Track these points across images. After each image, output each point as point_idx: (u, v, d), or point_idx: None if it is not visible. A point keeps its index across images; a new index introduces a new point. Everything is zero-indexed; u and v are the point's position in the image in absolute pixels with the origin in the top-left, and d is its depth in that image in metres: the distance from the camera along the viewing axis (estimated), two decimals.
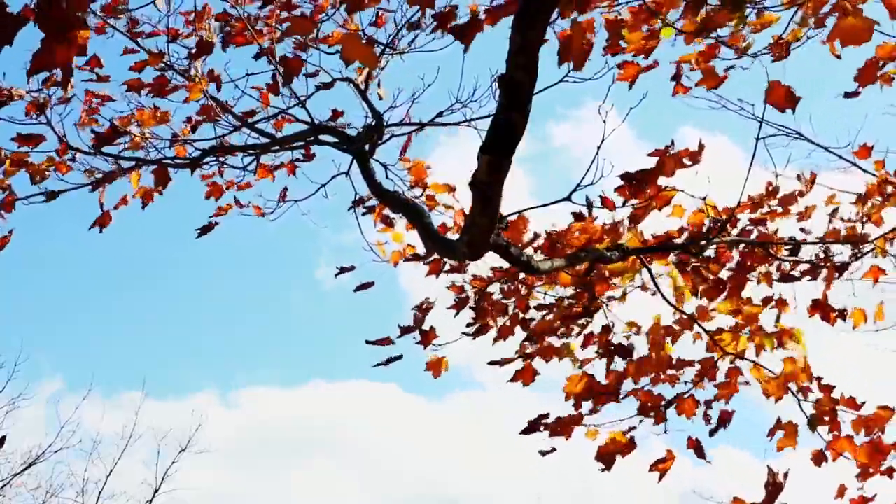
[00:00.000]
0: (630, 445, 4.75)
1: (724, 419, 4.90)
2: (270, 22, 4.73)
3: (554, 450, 4.84)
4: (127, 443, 16.56)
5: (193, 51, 4.65)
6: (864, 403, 4.57)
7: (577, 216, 4.71)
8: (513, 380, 5.07)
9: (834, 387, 4.64)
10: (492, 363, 5.09)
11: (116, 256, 27.65)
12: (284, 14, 4.74)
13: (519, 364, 5.09)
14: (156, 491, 16.22)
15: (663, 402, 4.86)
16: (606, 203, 4.60)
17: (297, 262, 29.91)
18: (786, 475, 3.28)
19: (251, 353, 28.03)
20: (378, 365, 4.96)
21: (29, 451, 15.80)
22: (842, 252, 5.16)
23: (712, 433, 4.86)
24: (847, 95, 4.47)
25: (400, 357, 4.98)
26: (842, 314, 5.05)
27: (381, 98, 5.15)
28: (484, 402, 26.48)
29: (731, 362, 4.93)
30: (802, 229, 5.18)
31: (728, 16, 3.97)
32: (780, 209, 5.24)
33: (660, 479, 4.70)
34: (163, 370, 25.34)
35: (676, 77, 4.36)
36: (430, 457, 25.49)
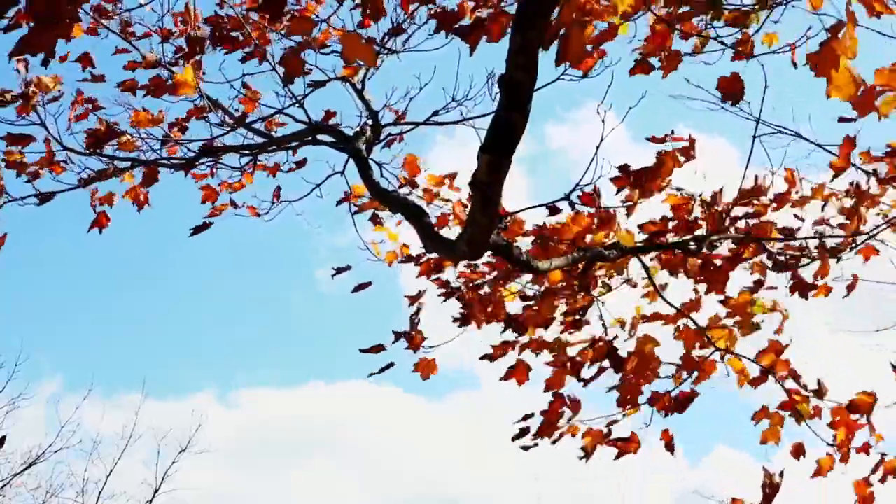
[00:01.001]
0: (607, 436, 4.80)
1: (688, 399, 4.89)
2: (262, 24, 4.71)
3: (536, 444, 4.85)
4: (127, 443, 16.58)
5: (185, 51, 4.63)
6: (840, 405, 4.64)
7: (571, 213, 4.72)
8: (505, 378, 5.02)
9: (800, 376, 4.71)
10: (483, 357, 5.08)
11: (114, 257, 27.63)
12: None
13: (511, 359, 5.08)
14: (156, 491, 16.19)
15: (641, 398, 4.88)
16: (584, 200, 4.58)
17: (295, 263, 29.94)
18: (781, 474, 3.31)
19: (250, 353, 28.05)
20: (373, 374, 4.94)
21: (29, 450, 15.78)
22: (836, 244, 5.19)
23: (668, 413, 4.84)
24: (842, 120, 4.57)
25: (392, 365, 4.95)
26: (812, 286, 5.11)
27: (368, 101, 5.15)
28: (483, 403, 26.57)
29: (721, 358, 4.95)
30: (796, 215, 5.20)
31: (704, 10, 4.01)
32: (774, 204, 5.27)
33: (617, 457, 4.73)
34: (162, 370, 25.30)
35: (643, 58, 4.36)
36: (430, 457, 25.56)
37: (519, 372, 5.03)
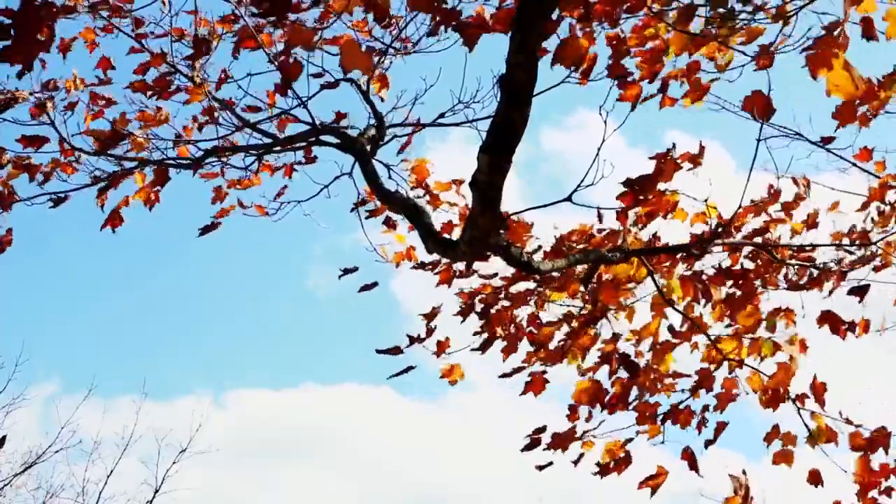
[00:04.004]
0: (626, 461, 4.79)
1: (719, 431, 4.88)
2: (280, 25, 4.73)
3: (551, 463, 4.87)
4: (127, 444, 16.56)
5: (192, 51, 4.67)
6: (860, 425, 4.58)
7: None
8: (524, 392, 5.03)
9: (824, 392, 4.64)
10: (503, 376, 5.09)
11: (109, 259, 27.74)
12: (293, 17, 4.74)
13: (527, 375, 5.07)
14: (156, 491, 16.22)
15: (659, 413, 4.87)
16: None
17: (288, 265, 30.03)
18: (744, 472, 3.29)
19: (242, 354, 28.08)
20: (393, 376, 4.99)
21: (29, 451, 15.83)
22: (853, 253, 5.13)
23: (707, 445, 4.85)
24: (824, 140, 4.61)
25: (412, 368, 5.01)
26: (851, 326, 5.02)
27: (382, 101, 5.17)
28: (478, 404, 26.54)
29: (731, 371, 4.92)
30: (812, 245, 5.15)
31: (720, 26, 4.00)
32: (782, 214, 5.23)
33: (652, 493, 4.70)
34: (156, 372, 25.29)
35: (663, 90, 4.41)
36: (426, 458, 25.47)
37: (536, 385, 5.04)
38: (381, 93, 5.17)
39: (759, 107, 3.86)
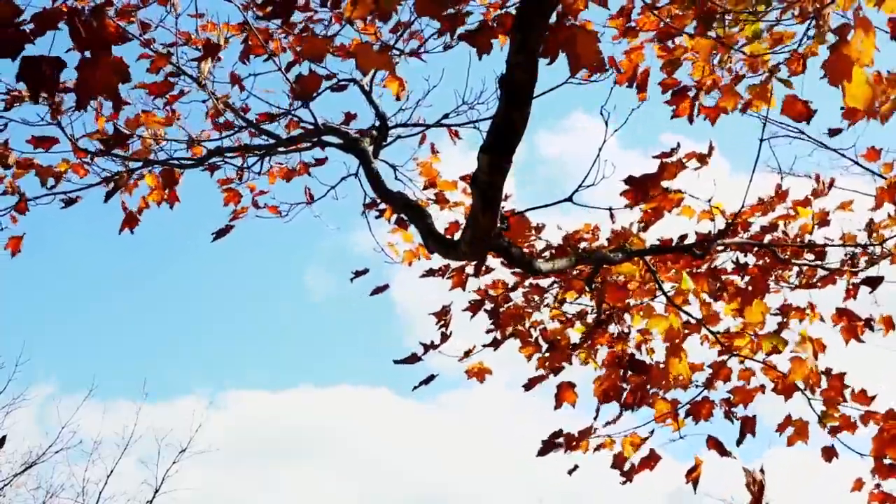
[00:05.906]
0: (654, 457, 4.75)
1: (749, 425, 4.85)
2: (290, 31, 4.75)
3: (577, 467, 4.82)
4: (127, 444, 16.60)
5: (201, 54, 4.70)
6: (874, 397, 4.54)
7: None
8: (557, 406, 5.01)
9: (844, 375, 4.62)
10: (526, 388, 5.10)
11: (109, 260, 27.87)
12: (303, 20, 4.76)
13: (553, 384, 5.06)
14: (156, 491, 16.26)
15: (679, 406, 4.85)
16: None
17: (287, 266, 30.12)
18: (762, 471, 3.26)
19: (240, 356, 28.19)
20: (417, 387, 5.02)
21: (29, 450, 15.90)
22: (866, 250, 5.11)
23: (739, 442, 4.81)
24: (831, 133, 4.58)
25: (435, 376, 5.03)
26: (868, 324, 4.99)
27: (398, 99, 5.17)
28: (478, 403, 26.57)
29: (741, 362, 4.90)
30: (826, 240, 5.13)
31: (743, 27, 3.98)
32: (791, 213, 5.21)
33: (695, 488, 4.65)
34: (156, 373, 25.37)
35: (695, 97, 4.39)
36: (425, 458, 25.55)
37: (566, 394, 5.01)
38: (397, 94, 5.17)
39: (799, 112, 3.84)
